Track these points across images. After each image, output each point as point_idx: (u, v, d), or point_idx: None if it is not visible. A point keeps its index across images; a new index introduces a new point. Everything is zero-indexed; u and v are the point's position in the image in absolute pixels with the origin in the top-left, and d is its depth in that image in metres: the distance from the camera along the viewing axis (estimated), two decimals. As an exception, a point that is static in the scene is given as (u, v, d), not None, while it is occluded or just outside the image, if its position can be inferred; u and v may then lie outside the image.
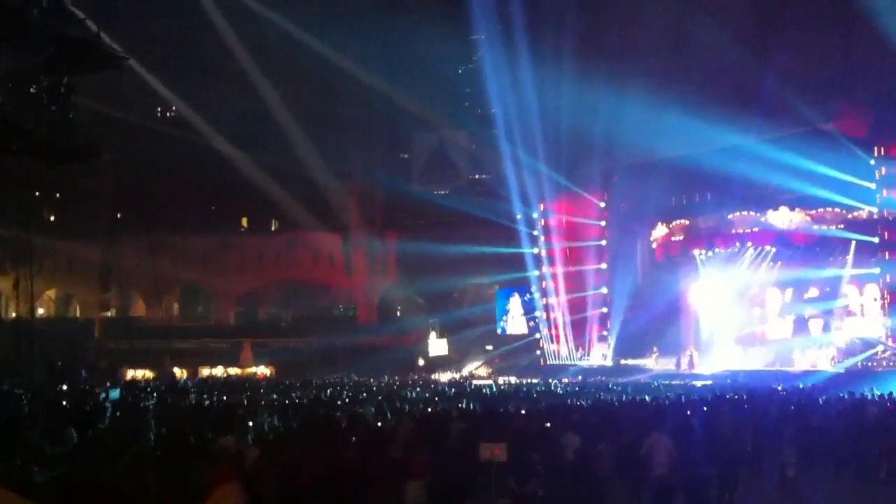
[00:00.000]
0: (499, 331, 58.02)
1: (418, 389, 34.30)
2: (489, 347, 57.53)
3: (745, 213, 46.26)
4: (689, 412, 19.77)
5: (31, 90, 18.41)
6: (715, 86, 45.21)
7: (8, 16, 18.58)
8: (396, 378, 46.87)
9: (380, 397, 27.33)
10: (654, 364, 47.53)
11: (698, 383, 37.83)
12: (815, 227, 44.04)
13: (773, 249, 45.27)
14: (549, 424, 17.20)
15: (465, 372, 53.87)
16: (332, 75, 57.48)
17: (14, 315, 44.67)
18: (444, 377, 49.77)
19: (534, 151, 51.05)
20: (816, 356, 42.96)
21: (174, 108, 61.79)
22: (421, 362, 56.76)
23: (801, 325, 44.90)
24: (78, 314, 66.18)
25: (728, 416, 19.20)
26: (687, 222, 49.04)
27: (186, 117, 59.78)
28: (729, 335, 46.97)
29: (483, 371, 54.26)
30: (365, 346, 54.88)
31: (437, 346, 58.51)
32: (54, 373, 35.65)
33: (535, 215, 54.40)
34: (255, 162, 57.76)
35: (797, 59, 43.87)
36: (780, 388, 32.35)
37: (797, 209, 44.44)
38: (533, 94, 49.65)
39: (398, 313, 63.01)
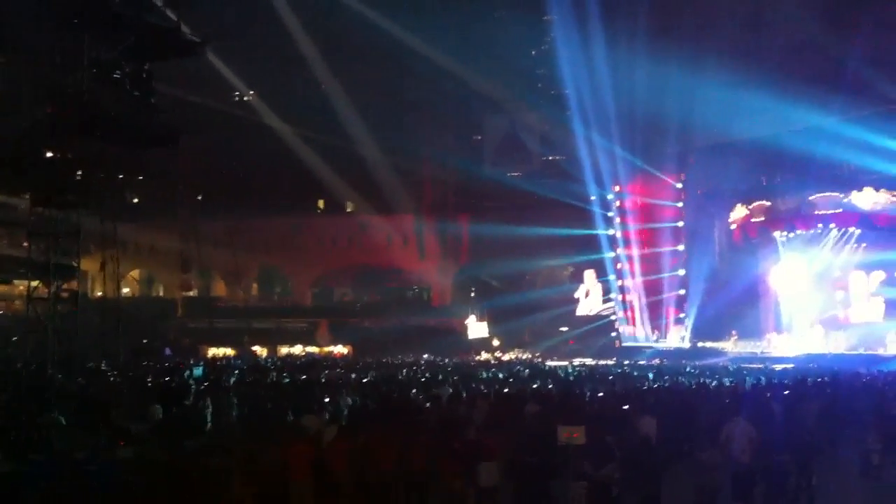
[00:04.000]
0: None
1: (492, 371, 34.32)
2: (563, 329, 57.34)
3: (827, 193, 45.21)
4: (769, 396, 19.41)
5: (115, 76, 18.89)
6: (794, 64, 44.00)
7: (93, 6, 19.12)
8: (470, 359, 47.11)
9: (455, 377, 27.40)
10: (733, 347, 46.84)
11: (779, 367, 37.13)
12: (902, 207, 42.85)
13: (858, 231, 44.12)
14: (626, 407, 17.08)
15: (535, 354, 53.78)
16: (403, 58, 57.56)
17: (100, 294, 46.06)
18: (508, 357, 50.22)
19: (608, 133, 50.54)
20: (905, 340, 41.82)
21: (249, 93, 62.65)
22: (496, 342, 56.93)
23: (893, 308, 43.67)
24: (161, 294, 68.04)
25: (809, 401, 18.79)
26: (767, 203, 48.08)
27: (259, 102, 60.76)
28: (810, 318, 45.99)
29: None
30: (439, 327, 55.29)
31: (477, 329, 58.70)
32: (139, 351, 36.64)
33: (609, 197, 53.92)
34: (327, 146, 58.32)
35: (880, 34, 42.39)
36: (864, 372, 31.51)
37: (882, 190, 43.28)
38: (607, 75, 49.02)
39: (472, 295, 63.11)
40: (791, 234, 46.97)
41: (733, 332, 47.68)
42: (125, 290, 59.49)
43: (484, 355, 51.71)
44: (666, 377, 29.55)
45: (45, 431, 14.87)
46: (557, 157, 62.28)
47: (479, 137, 66.85)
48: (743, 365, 38.43)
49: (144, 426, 16.74)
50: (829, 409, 18.69)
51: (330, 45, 58.02)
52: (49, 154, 19.06)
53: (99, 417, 16.65)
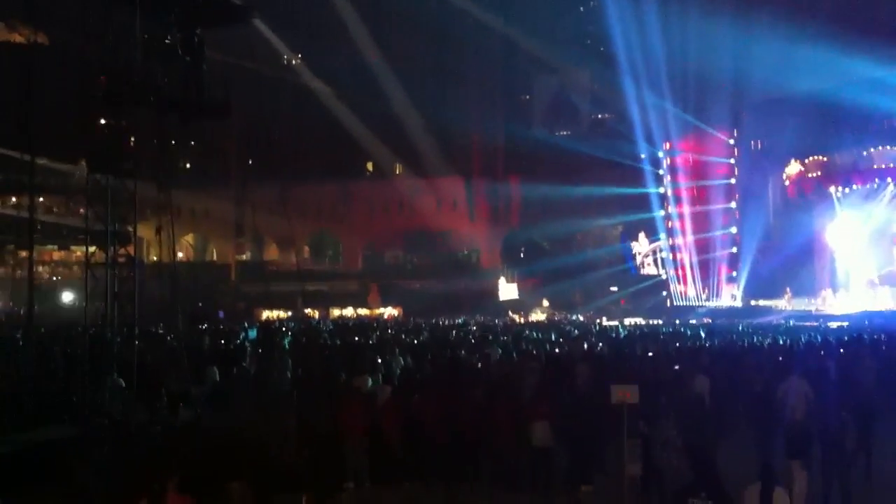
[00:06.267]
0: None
1: (542, 332, 34.26)
2: (614, 289, 57.05)
3: (885, 147, 44.13)
4: (823, 354, 19.18)
5: (166, 42, 18.99)
6: (853, 15, 42.77)
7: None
8: (520, 319, 47.13)
9: (505, 338, 27.45)
10: (787, 305, 46.24)
11: (834, 324, 36.60)
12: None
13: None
14: (677, 367, 17.03)
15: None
16: (451, 19, 57.13)
17: (156, 260, 46.82)
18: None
19: (658, 89, 49.76)
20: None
21: (297, 58, 62.78)
22: (545, 303, 56.83)
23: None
24: (215, 258, 69.05)
25: (866, 359, 18.52)
26: (823, 158, 47.12)
27: (307, 69, 60.87)
28: (867, 275, 45.19)
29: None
30: (488, 289, 55.34)
31: (508, 290, 58.55)
32: (195, 315, 37.17)
33: (660, 154, 53.25)
34: (375, 110, 58.29)
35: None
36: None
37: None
38: (657, 30, 48.14)
39: (521, 257, 63.01)
40: (847, 190, 46.04)
41: (787, 290, 47.08)
42: (179, 255, 60.52)
43: (514, 315, 51.67)
44: (717, 336, 29.31)
45: (106, 395, 15.26)
46: (607, 116, 61.65)
47: (528, 97, 66.36)
48: (797, 323, 37.98)
49: (202, 389, 17.12)
50: (886, 366, 18.41)
51: (377, 7, 57.85)
52: (103, 122, 19.28)
53: (158, 381, 17.03)
